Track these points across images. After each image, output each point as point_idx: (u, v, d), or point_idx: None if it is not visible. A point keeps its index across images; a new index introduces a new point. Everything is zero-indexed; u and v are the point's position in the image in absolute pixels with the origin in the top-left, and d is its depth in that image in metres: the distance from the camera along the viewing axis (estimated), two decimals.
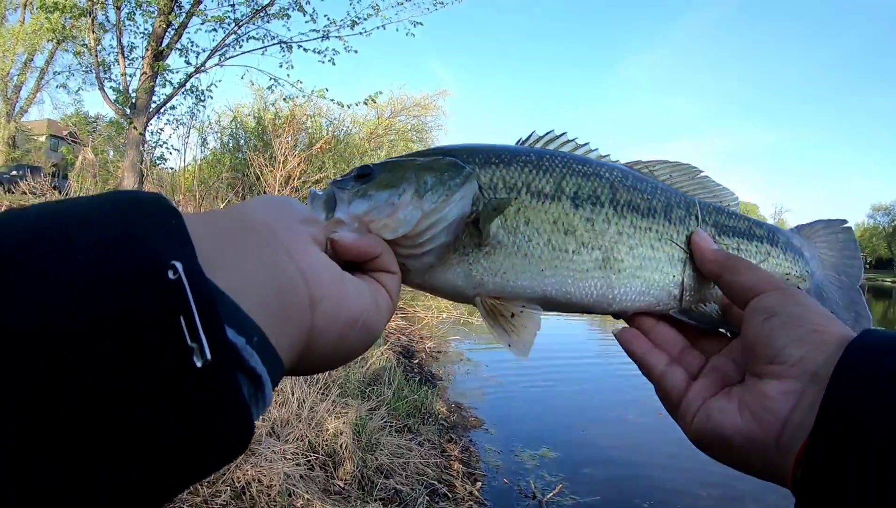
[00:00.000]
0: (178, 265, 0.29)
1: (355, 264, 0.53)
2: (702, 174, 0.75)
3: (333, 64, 8.72)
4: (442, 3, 8.41)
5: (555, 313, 0.68)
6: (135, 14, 7.93)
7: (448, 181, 0.61)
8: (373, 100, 9.04)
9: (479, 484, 4.03)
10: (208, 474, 0.31)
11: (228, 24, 8.51)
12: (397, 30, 8.43)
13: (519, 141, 0.73)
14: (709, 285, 0.68)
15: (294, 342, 0.39)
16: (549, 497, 3.88)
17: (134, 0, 7.75)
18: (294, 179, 9.07)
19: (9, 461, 0.24)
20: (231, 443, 0.31)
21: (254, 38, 8.67)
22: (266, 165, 9.17)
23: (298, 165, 9.46)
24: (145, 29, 8.19)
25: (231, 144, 11.88)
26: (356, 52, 8.58)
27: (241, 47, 8.74)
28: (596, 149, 0.73)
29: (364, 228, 0.57)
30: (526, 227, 0.64)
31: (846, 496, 0.39)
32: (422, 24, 8.41)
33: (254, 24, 8.59)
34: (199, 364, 0.28)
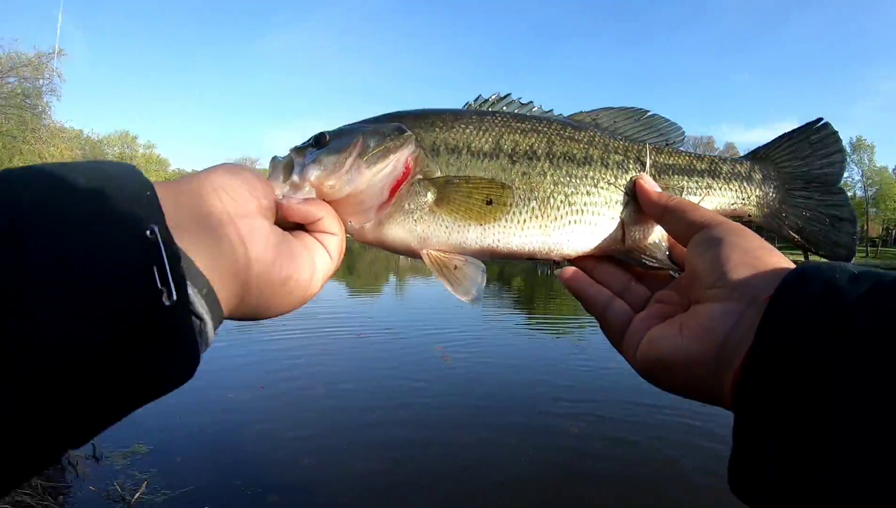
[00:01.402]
0: (156, 229, 0.39)
1: (302, 225, 0.59)
2: (648, 115, 0.76)
3: None
4: None
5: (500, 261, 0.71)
6: None
7: (389, 143, 0.66)
8: None
9: (60, 498, 3.80)
10: (163, 393, 0.40)
11: None
12: None
13: (466, 104, 0.76)
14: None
15: (231, 294, 0.48)
16: (136, 497, 3.73)
17: None
18: None
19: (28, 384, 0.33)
20: (182, 369, 0.40)
21: None
22: None
23: None
24: None
25: None
26: None
27: None
28: (538, 106, 0.76)
29: (315, 189, 0.63)
30: (467, 184, 0.67)
31: (778, 408, 0.41)
32: None
33: None
34: (167, 303, 0.37)
